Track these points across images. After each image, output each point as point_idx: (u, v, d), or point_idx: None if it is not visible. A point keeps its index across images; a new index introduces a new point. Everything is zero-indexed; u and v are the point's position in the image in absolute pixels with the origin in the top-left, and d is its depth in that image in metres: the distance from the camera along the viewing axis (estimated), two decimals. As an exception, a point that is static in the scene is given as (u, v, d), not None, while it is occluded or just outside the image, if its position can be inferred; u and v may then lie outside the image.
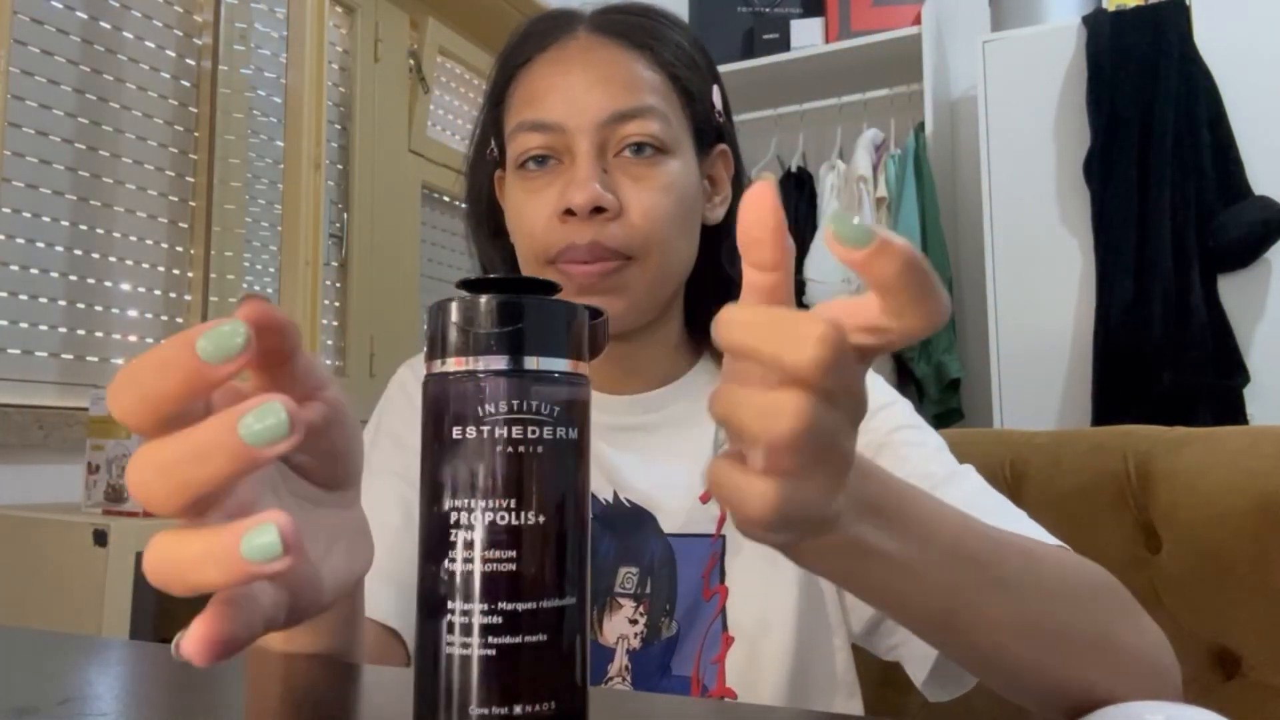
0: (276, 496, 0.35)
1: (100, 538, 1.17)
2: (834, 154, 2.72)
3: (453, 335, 0.32)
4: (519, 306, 0.32)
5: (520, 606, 0.31)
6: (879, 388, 0.70)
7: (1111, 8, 2.31)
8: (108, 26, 1.68)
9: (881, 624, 0.66)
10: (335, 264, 2.15)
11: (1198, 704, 0.39)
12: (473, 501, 0.31)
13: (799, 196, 2.73)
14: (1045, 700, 0.46)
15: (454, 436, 0.32)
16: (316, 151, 1.89)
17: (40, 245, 1.56)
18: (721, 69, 0.77)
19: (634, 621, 0.66)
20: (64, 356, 1.59)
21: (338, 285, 2.15)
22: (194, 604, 0.29)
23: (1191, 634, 0.81)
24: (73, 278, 1.61)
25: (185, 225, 1.81)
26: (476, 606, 0.31)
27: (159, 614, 1.40)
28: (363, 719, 0.38)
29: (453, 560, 0.31)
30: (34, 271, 1.55)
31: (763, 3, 2.90)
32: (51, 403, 1.53)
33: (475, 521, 0.31)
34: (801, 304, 0.57)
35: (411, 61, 2.36)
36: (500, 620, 0.30)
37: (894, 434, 0.67)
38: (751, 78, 2.80)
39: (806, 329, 0.30)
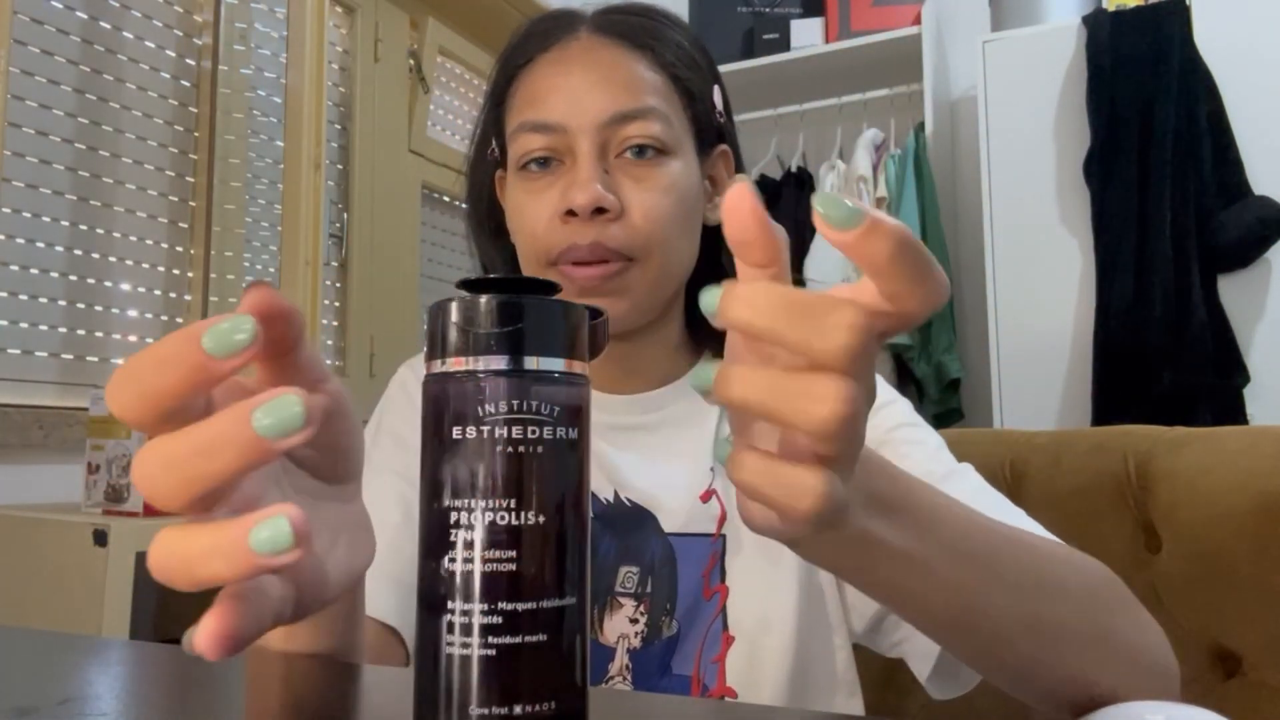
0: (280, 491, 0.35)
1: (100, 538, 1.17)
2: (834, 154, 2.72)
3: (453, 335, 0.32)
4: (519, 306, 0.32)
5: (520, 606, 0.31)
6: (879, 386, 0.70)
7: (1111, 8, 2.31)
8: (108, 26, 1.68)
9: (885, 621, 0.66)
10: (335, 264, 2.15)
11: (1198, 704, 0.39)
12: (473, 501, 0.31)
13: (799, 196, 2.72)
14: (1048, 696, 0.46)
15: (454, 436, 0.31)
16: (316, 151, 1.89)
17: (40, 245, 1.56)
18: (721, 69, 0.77)
19: (634, 621, 0.66)
20: (64, 356, 1.59)
21: (338, 285, 2.15)
22: (195, 603, 0.29)
23: (1191, 634, 0.81)
24: (73, 278, 1.61)
25: (185, 225, 1.81)
26: (476, 606, 0.31)
27: (159, 614, 1.40)
28: (363, 719, 0.38)
29: (453, 560, 0.31)
30: (34, 271, 1.55)
31: (763, 3, 2.90)
32: (51, 403, 1.53)
33: (475, 521, 0.31)
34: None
35: (411, 61, 2.36)
36: (500, 620, 0.30)
37: (894, 432, 0.67)
38: (751, 78, 2.80)
39: (837, 316, 0.29)
